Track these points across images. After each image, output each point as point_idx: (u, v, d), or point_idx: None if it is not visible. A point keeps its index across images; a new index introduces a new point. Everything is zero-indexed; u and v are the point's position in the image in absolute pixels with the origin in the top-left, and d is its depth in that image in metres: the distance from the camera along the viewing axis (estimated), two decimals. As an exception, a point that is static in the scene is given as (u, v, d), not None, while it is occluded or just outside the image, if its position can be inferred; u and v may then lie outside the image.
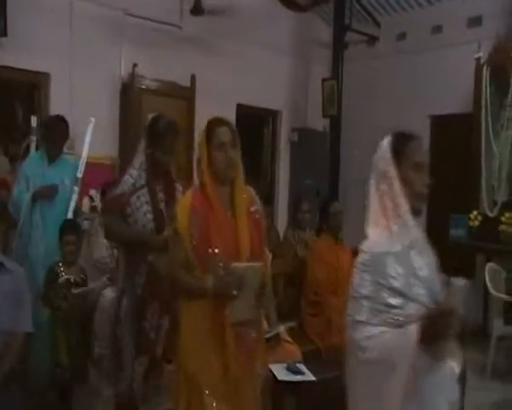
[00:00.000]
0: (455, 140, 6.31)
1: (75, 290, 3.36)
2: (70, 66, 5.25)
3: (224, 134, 2.26)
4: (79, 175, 4.04)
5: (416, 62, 6.61)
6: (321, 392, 3.00)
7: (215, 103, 6.11)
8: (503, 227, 5.41)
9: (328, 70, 7.25)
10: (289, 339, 3.33)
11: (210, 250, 2.19)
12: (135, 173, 2.89)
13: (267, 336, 3.10)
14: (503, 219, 5.44)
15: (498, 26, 5.72)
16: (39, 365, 3.44)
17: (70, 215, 3.87)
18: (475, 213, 5.66)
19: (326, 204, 4.15)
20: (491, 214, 5.61)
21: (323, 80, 7.01)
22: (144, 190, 2.85)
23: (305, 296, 3.88)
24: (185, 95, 5.90)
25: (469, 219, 5.68)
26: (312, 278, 3.84)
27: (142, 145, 2.93)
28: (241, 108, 6.57)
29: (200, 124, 5.90)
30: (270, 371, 2.95)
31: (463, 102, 6.03)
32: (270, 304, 3.44)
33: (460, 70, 6.00)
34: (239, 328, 2.21)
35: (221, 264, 2.18)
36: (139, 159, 2.91)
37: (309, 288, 3.86)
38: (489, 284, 4.89)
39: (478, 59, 5.79)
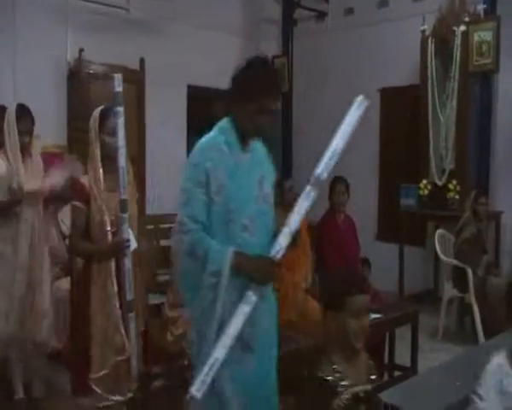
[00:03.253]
0: (404, 112, 6.48)
1: None
2: (12, 53, 5.10)
3: None
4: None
5: (364, 37, 6.70)
6: (282, 366, 3.08)
7: (165, 86, 6.11)
8: (450, 194, 5.62)
9: (279, 47, 7.30)
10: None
11: None
12: None
13: None
14: (450, 186, 5.64)
15: (441, -1, 5.87)
16: None
17: (278, 252, 2.07)
18: (425, 182, 5.84)
19: (280, 180, 4.21)
20: (439, 182, 5.80)
21: (274, 58, 7.05)
22: None
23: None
24: (135, 78, 5.82)
25: (419, 188, 5.87)
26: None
27: None
28: (191, 90, 6.55)
29: (150, 107, 5.96)
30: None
31: (411, 74, 6.18)
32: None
33: (406, 43, 6.13)
34: None
35: None
36: None
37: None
38: (438, 250, 5.09)
39: (423, 32, 5.92)
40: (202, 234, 2.01)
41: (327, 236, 4.19)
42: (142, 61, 5.89)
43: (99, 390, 2.59)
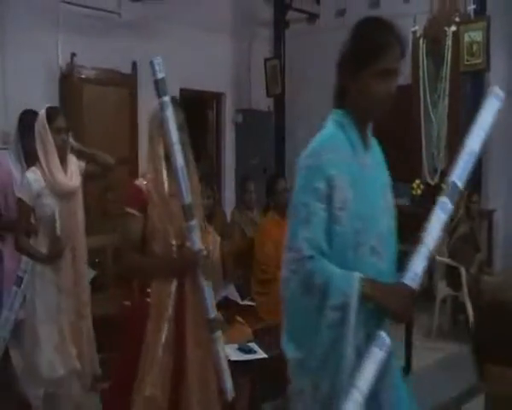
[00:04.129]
0: (396, 112, 6.46)
1: None
2: (2, 58, 5.10)
3: None
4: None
5: (356, 38, 6.71)
6: (274, 368, 3.08)
7: (158, 89, 6.10)
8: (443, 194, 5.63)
9: (270, 49, 7.32)
10: (240, 320, 3.39)
11: None
12: None
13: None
14: (443, 185, 5.64)
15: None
16: None
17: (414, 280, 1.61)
18: (418, 181, 5.87)
19: (272, 182, 4.20)
20: (432, 182, 5.84)
21: (266, 60, 7.07)
22: None
23: (254, 276, 3.94)
24: (127, 83, 5.84)
25: (412, 188, 5.89)
26: (260, 256, 3.89)
27: None
28: (184, 93, 6.54)
29: (143, 112, 5.95)
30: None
31: (402, 75, 6.19)
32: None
33: (398, 44, 6.15)
34: None
35: None
36: None
37: (257, 267, 3.91)
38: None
39: (414, 32, 5.95)
40: (322, 261, 1.53)
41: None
42: (134, 64, 5.89)
43: None
